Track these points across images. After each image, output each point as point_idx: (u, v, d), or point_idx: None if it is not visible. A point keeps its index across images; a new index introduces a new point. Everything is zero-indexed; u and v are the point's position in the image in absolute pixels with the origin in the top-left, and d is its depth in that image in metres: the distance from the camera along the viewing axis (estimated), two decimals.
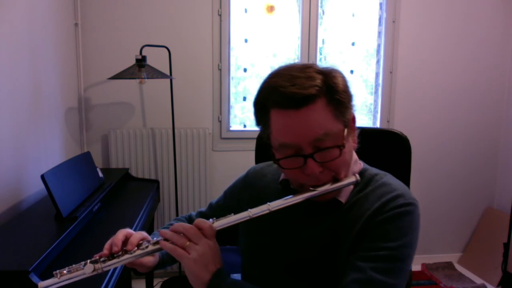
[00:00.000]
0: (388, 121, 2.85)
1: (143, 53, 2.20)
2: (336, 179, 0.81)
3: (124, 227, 0.87)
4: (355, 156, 0.89)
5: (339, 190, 0.83)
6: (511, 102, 2.92)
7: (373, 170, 0.91)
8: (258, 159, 1.34)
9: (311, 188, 0.81)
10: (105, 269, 0.77)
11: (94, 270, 0.76)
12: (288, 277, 0.88)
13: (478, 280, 2.78)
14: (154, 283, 2.51)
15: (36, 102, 1.86)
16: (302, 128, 0.76)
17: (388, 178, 0.88)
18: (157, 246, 0.79)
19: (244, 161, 2.58)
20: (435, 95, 2.87)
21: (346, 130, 0.80)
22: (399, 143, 1.22)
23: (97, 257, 0.78)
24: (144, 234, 0.85)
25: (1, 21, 1.56)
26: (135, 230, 1.49)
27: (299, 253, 0.87)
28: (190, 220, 1.14)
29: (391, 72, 2.81)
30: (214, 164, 2.70)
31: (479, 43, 2.86)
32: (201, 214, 1.13)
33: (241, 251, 1.02)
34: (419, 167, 2.64)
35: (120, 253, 0.79)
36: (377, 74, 2.87)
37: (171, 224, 1.09)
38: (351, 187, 0.86)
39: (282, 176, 0.95)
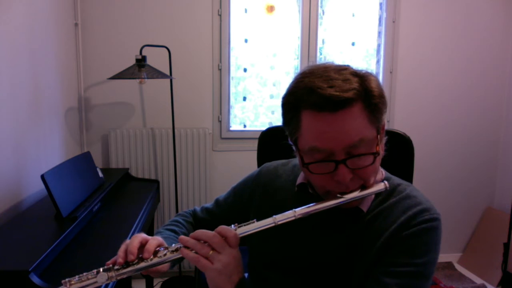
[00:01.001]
0: (388, 121, 2.85)
1: (143, 53, 2.19)
2: (363, 187, 0.79)
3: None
4: None
5: (361, 198, 0.80)
6: (511, 102, 2.92)
7: (395, 179, 0.89)
8: (260, 159, 1.34)
9: (338, 195, 0.77)
10: (119, 278, 0.72)
11: (108, 279, 0.70)
12: (298, 282, 0.87)
13: (478, 280, 2.77)
14: (154, 283, 2.51)
15: (36, 102, 1.86)
16: (337, 133, 0.73)
17: (412, 189, 0.86)
18: (175, 254, 0.74)
19: (244, 161, 2.60)
20: (435, 95, 2.87)
21: (379, 137, 0.78)
22: (401, 143, 1.21)
23: (110, 265, 0.73)
24: (160, 239, 0.80)
25: (1, 21, 1.56)
26: (135, 230, 1.49)
27: (314, 258, 0.86)
28: (194, 215, 1.11)
29: (391, 72, 2.81)
30: (214, 164, 2.70)
31: (479, 43, 2.86)
32: (207, 210, 1.10)
33: (250, 250, 1.00)
34: (419, 167, 2.63)
35: (135, 261, 0.74)
36: (377, 74, 2.87)
37: (175, 221, 1.05)
38: (373, 195, 0.83)
39: (300, 179, 0.92)
